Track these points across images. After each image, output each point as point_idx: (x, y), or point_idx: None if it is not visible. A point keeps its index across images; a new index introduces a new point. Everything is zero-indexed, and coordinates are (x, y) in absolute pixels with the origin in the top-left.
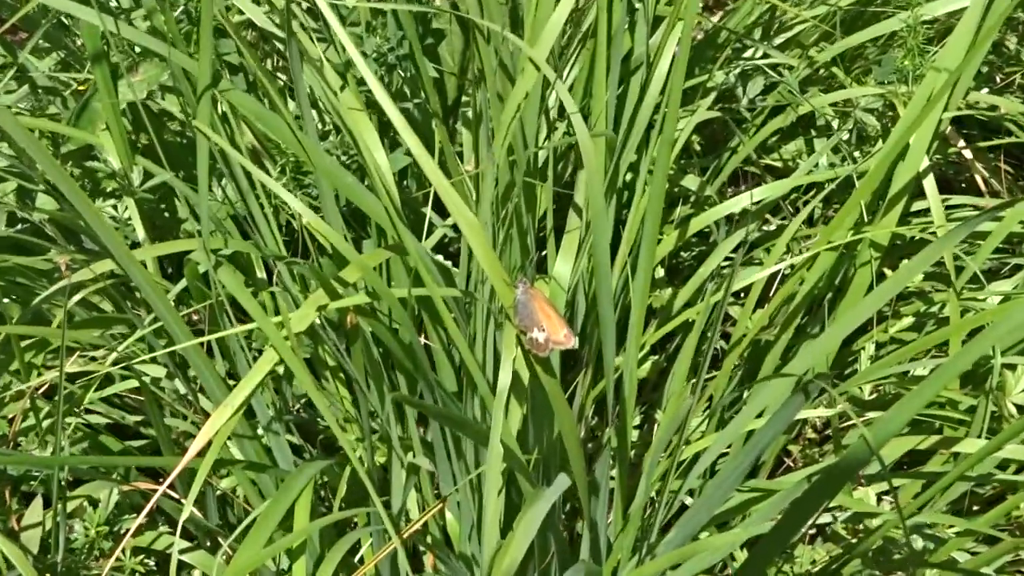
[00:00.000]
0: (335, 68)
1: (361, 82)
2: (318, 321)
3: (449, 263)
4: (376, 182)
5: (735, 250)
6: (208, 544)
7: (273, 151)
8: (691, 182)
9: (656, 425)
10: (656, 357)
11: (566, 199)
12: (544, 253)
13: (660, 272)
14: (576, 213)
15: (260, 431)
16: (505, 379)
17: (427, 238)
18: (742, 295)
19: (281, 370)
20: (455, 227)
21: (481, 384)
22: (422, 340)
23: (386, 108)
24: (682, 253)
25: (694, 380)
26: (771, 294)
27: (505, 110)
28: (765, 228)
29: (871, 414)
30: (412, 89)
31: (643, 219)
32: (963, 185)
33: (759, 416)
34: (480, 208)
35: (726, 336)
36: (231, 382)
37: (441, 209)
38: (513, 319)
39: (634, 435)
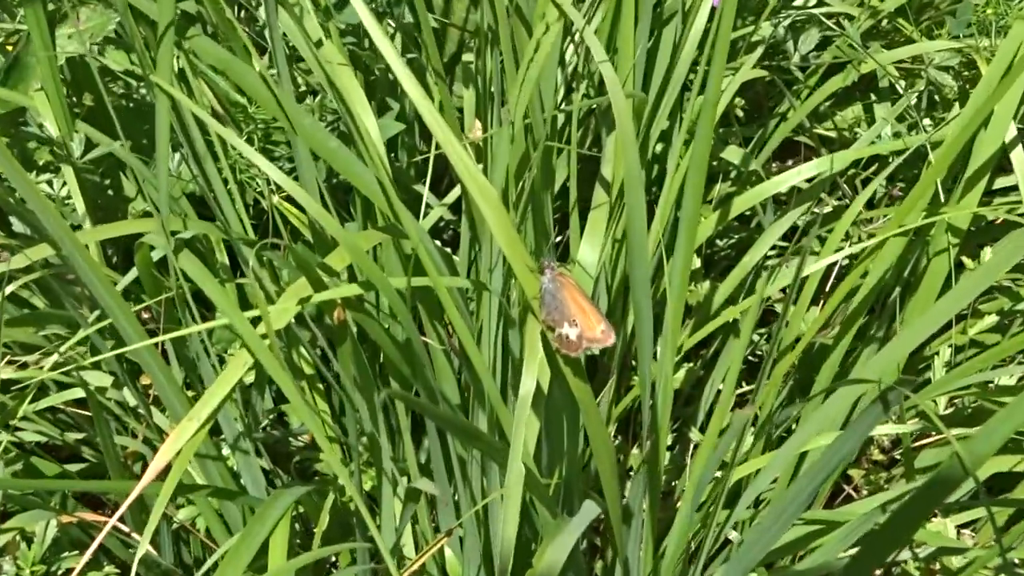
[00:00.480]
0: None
1: (344, 34)
2: (294, 319)
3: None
4: (370, 149)
5: (785, 237)
6: None
7: (239, 116)
8: (733, 154)
9: (692, 446)
10: (691, 365)
11: (584, 175)
12: (560, 239)
13: (696, 263)
14: (603, 188)
15: (226, 451)
16: (529, 384)
17: (421, 220)
18: (786, 290)
19: (249, 380)
20: (453, 207)
21: (492, 391)
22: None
23: (386, 55)
24: (718, 241)
25: (744, 391)
26: (827, 289)
27: (523, 59)
28: (818, 210)
29: (953, 431)
30: (404, 41)
31: (679, 197)
32: None
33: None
34: (493, 179)
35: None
36: (190, 393)
37: (435, 189)
38: (538, 312)
39: (666, 456)
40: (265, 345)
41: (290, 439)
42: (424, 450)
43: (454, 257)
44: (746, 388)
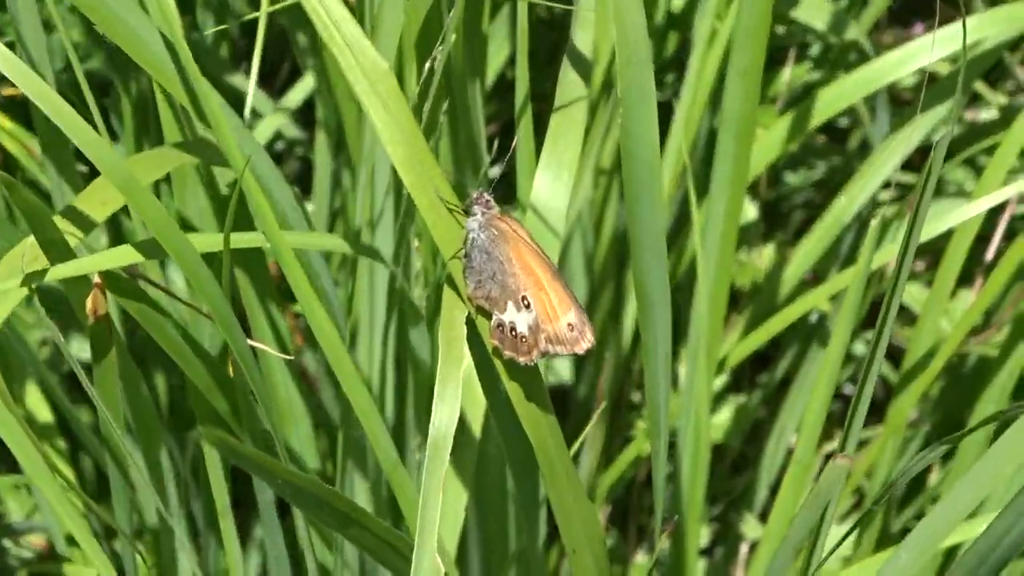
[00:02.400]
0: None
1: None
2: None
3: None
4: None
5: (909, 164)
6: None
7: None
8: (813, 12)
9: (746, 547)
10: (742, 397)
11: (541, 54)
12: (498, 169)
13: (750, 212)
14: (575, 73)
15: None
16: (445, 419)
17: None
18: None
19: None
20: (300, 115)
21: (378, 437)
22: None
23: None
24: (788, 174)
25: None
26: (987, 257)
27: None
28: (969, 115)
29: None
30: None
31: (716, 92)
32: None
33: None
34: (379, 48)
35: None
36: None
37: (266, 86)
38: (464, 283)
39: (700, 566)
40: None
41: (6, 544)
42: (255, 548)
43: (306, 206)
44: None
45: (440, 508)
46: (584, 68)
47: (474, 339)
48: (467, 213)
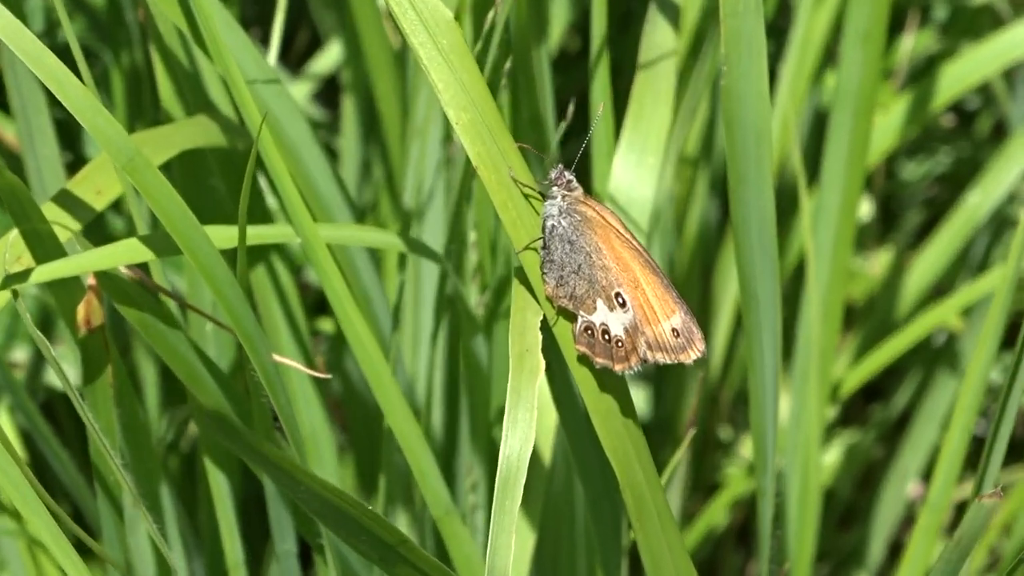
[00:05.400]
0: None
1: None
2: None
3: None
4: None
5: None
6: None
7: None
8: None
9: None
10: (855, 434)
11: (615, 17)
12: (566, 154)
13: (864, 209)
14: (665, 18)
15: None
16: (518, 447)
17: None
18: None
19: None
20: (323, 96)
21: (426, 477)
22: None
23: None
24: (903, 168)
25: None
26: None
27: None
28: None
29: None
30: None
31: (824, 59)
32: None
33: None
34: None
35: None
36: None
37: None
38: (545, 280)
39: None
40: None
41: None
42: None
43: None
44: (968, 486)
45: (512, 556)
46: (674, 21)
47: (548, 349)
48: (544, 196)
